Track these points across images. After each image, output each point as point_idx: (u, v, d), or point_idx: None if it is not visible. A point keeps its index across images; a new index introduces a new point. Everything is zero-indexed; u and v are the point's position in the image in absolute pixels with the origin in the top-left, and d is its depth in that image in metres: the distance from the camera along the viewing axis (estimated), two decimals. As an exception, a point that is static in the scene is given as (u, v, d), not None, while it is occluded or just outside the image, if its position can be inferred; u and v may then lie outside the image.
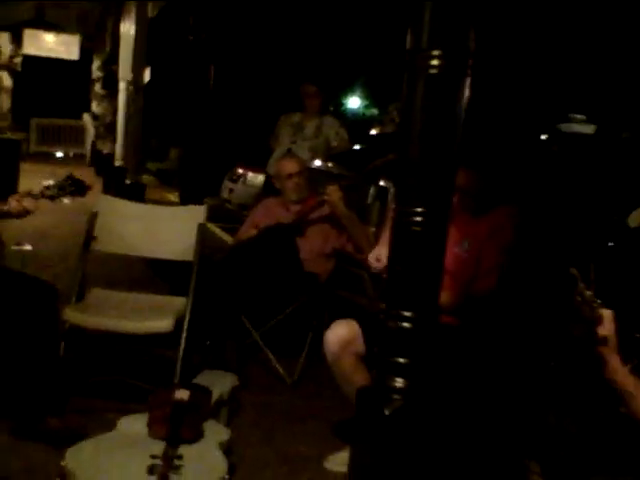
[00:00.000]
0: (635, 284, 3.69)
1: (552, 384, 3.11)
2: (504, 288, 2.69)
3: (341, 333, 2.71)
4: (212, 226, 5.16)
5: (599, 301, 1.74)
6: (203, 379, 3.10)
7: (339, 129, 5.19)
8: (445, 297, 2.64)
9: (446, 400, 2.28)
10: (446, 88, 1.52)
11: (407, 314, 1.63)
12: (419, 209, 1.57)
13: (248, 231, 3.87)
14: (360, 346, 2.67)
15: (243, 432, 3.11)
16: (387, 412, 1.62)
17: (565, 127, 10.92)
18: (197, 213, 3.35)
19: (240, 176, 6.95)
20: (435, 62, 1.51)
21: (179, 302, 3.11)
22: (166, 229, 3.40)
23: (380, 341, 1.69)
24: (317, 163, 4.86)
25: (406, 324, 1.63)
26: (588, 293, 1.71)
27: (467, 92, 1.55)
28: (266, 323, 3.67)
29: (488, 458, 2.81)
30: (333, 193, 3.39)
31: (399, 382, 1.65)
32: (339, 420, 3.04)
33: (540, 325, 2.66)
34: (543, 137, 11.41)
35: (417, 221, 1.58)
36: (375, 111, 12.37)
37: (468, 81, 1.55)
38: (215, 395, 2.94)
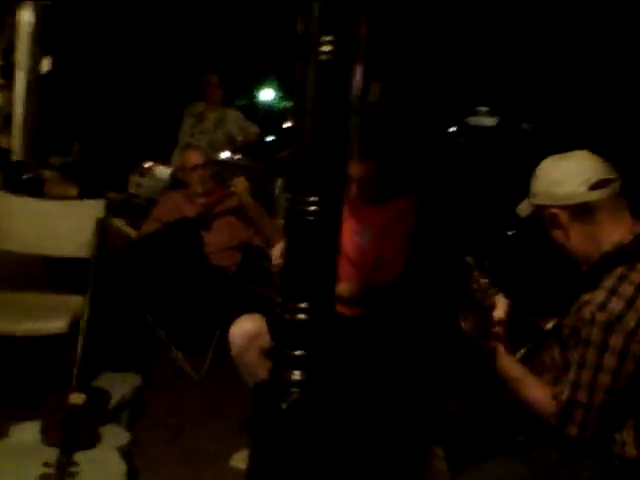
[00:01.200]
0: (529, 271, 3.81)
1: (456, 369, 3.18)
2: (406, 278, 2.70)
3: (246, 327, 2.67)
4: (117, 221, 4.98)
5: (494, 288, 1.76)
6: (104, 381, 3.00)
7: (244, 123, 5.11)
8: (347, 288, 2.65)
9: (343, 392, 2.28)
10: (337, 75, 1.49)
11: (303, 305, 1.60)
12: (312, 198, 1.54)
13: (152, 226, 3.76)
14: (266, 340, 2.62)
15: (147, 433, 3.03)
16: (284, 406, 1.59)
17: (472, 120, 11.19)
18: (95, 207, 3.21)
19: (147, 170, 6.76)
20: (326, 48, 1.47)
21: (76, 301, 2.98)
22: (62, 225, 3.25)
23: (277, 334, 1.66)
24: (224, 155, 4.78)
25: (302, 316, 1.60)
26: (483, 281, 1.73)
27: (359, 79, 1.53)
28: (172, 320, 3.58)
29: (389, 446, 2.85)
30: (239, 185, 3.33)
31: (296, 375, 1.62)
32: (247, 416, 3.01)
33: (439, 313, 2.70)
34: (451, 129, 11.65)
35: (311, 211, 1.55)
36: (289, 103, 12.31)
37: (360, 68, 1.53)
38: (116, 397, 2.85)
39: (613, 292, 1.67)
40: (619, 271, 1.72)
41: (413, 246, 2.71)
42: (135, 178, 6.54)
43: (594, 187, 1.78)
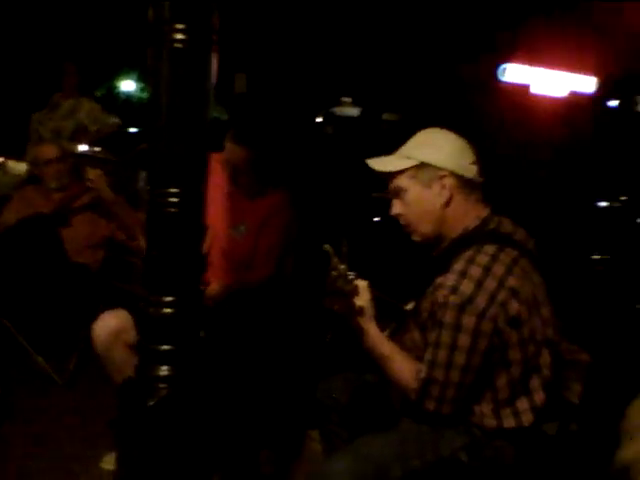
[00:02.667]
0: (391, 256, 3.96)
1: (329, 356, 3.24)
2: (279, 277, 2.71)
3: (110, 323, 2.59)
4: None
5: (354, 274, 1.81)
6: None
7: (99, 114, 4.93)
8: (217, 285, 2.62)
9: (215, 383, 2.28)
10: (192, 63, 1.47)
11: (168, 299, 1.57)
12: (173, 190, 1.51)
13: (4, 224, 3.55)
14: (132, 336, 2.55)
15: (13, 442, 2.89)
16: (152, 402, 1.56)
17: (337, 110, 11.40)
18: None
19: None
20: (179, 36, 1.45)
21: None
22: None
23: (142, 329, 1.62)
24: (82, 148, 4.58)
25: (168, 310, 1.57)
26: (342, 267, 1.77)
27: (215, 68, 1.51)
28: (32, 323, 3.41)
29: (266, 433, 2.88)
30: (98, 179, 3.19)
31: (164, 370, 1.59)
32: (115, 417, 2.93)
33: (304, 303, 2.73)
34: (318, 119, 11.81)
35: (172, 202, 1.52)
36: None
37: (215, 57, 1.51)
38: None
39: (463, 274, 1.76)
40: (468, 254, 1.81)
41: (288, 245, 2.72)
42: (-13, 174, 6.13)
43: (479, 171, 1.88)
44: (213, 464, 2.35)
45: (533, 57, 8.84)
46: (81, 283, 3.45)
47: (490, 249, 1.81)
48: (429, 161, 1.86)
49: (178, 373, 1.60)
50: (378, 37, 8.20)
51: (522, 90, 8.57)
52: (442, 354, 1.75)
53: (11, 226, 3.44)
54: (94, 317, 3.15)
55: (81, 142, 4.58)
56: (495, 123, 8.33)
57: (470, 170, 1.88)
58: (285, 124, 9.05)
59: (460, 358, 1.74)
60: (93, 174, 3.20)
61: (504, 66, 8.70)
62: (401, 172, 1.89)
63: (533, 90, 8.85)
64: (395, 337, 2.05)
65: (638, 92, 9.50)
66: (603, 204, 6.44)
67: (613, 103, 9.58)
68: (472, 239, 1.84)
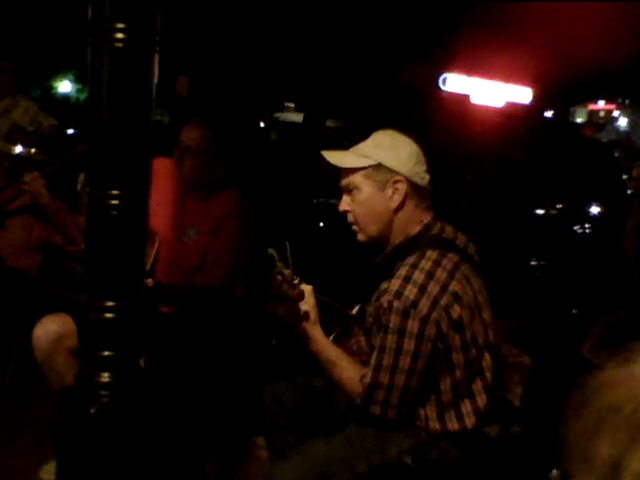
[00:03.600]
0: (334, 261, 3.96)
1: (275, 360, 3.22)
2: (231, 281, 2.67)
3: (50, 329, 2.50)
4: None
5: (298, 278, 1.80)
6: None
7: (36, 115, 4.78)
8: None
9: (161, 390, 2.23)
10: (133, 63, 1.43)
11: (110, 304, 1.53)
12: (114, 192, 1.47)
13: None
14: (74, 342, 2.48)
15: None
16: (93, 410, 1.51)
17: (281, 115, 11.38)
18: None
19: None
20: (119, 35, 1.41)
21: None
22: None
23: (83, 335, 1.57)
24: (18, 149, 4.44)
25: (109, 314, 1.53)
26: (287, 272, 1.76)
27: (156, 69, 1.48)
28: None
29: (210, 441, 2.84)
30: (34, 182, 3.09)
31: (105, 377, 1.54)
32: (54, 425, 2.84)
33: (251, 306, 2.70)
34: (262, 124, 11.75)
35: (112, 204, 1.48)
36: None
37: (156, 57, 1.48)
38: None
39: (407, 280, 1.77)
40: (411, 260, 1.83)
41: (239, 249, 2.68)
42: None
43: (430, 179, 1.89)
44: (156, 472, 2.31)
45: (472, 68, 9.03)
46: (17, 288, 3.33)
47: (433, 254, 1.83)
48: (386, 163, 1.86)
49: (119, 379, 1.55)
50: (323, 41, 8.24)
51: (462, 99, 8.73)
52: (387, 358, 1.76)
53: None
54: (30, 324, 3.06)
55: (17, 143, 4.44)
56: (436, 131, 8.46)
57: (423, 178, 1.89)
58: (228, 127, 8.99)
59: (405, 362, 1.75)
60: (29, 176, 3.10)
61: (445, 75, 8.86)
62: (357, 170, 1.89)
63: (473, 100, 9.04)
64: (340, 341, 2.05)
65: (572, 103, 9.81)
66: (540, 212, 6.60)
67: (548, 113, 9.86)
68: (415, 244, 1.86)
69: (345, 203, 1.93)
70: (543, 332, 4.11)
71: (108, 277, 1.53)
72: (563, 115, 9.78)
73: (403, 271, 1.79)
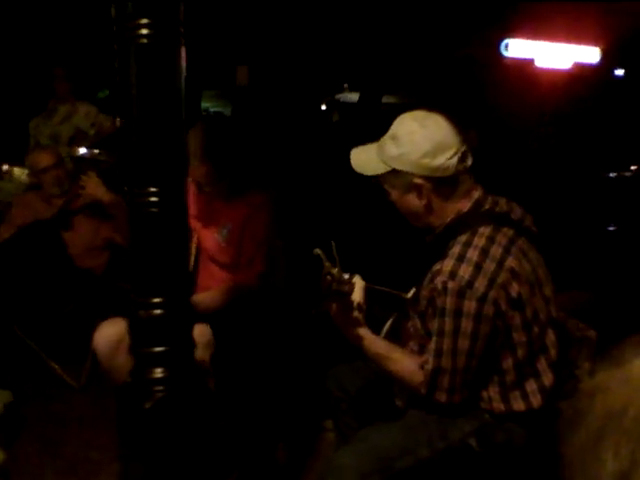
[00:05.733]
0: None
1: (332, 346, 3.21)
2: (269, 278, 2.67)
3: (108, 333, 2.56)
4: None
5: (348, 274, 1.76)
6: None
7: (97, 117, 4.89)
8: (212, 299, 2.59)
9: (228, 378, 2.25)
10: (160, 58, 1.42)
11: (157, 300, 1.54)
12: (152, 189, 1.48)
13: (7, 231, 3.54)
14: None
15: (27, 448, 2.90)
16: (147, 405, 1.53)
17: (342, 96, 11.30)
18: None
19: (5, 173, 6.41)
20: (144, 31, 1.40)
21: None
22: None
23: (134, 332, 1.59)
24: (82, 151, 4.57)
25: (157, 311, 1.54)
26: (335, 270, 1.72)
27: (184, 62, 1.47)
28: (43, 329, 3.41)
29: (280, 426, 2.86)
30: (90, 181, 3.15)
31: (159, 372, 1.56)
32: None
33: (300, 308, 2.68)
34: (323, 107, 11.71)
35: (151, 202, 1.48)
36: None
37: (183, 51, 1.47)
38: (-16, 418, 2.69)
39: (461, 259, 1.70)
40: (464, 238, 1.75)
41: (272, 244, 2.67)
42: (-7, 182, 6.14)
43: (462, 159, 1.79)
44: (227, 462, 2.34)
45: (536, 31, 8.70)
46: (87, 287, 3.43)
47: (486, 230, 1.75)
48: (400, 168, 1.80)
49: (173, 374, 1.57)
50: (378, 17, 8.10)
51: (526, 64, 8.44)
52: (447, 342, 1.70)
53: (13, 233, 3.43)
54: (102, 320, 3.15)
55: (80, 146, 4.56)
56: (501, 99, 8.23)
57: (447, 168, 1.77)
58: (289, 115, 8.98)
59: (464, 344, 1.69)
60: (84, 178, 3.17)
61: (507, 41, 8.58)
62: (380, 176, 1.85)
63: (537, 64, 8.73)
64: (399, 326, 2.01)
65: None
66: (613, 175, 6.33)
67: (619, 72, 9.42)
68: (466, 222, 1.79)
69: (403, 203, 1.88)
70: (616, 303, 3.94)
71: (153, 274, 1.54)
72: (634, 73, 9.29)
73: (456, 250, 1.73)
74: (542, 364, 1.79)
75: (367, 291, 1.84)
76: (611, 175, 6.35)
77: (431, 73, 8.47)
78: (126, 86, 1.43)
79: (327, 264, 1.70)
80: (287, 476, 2.77)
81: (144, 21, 1.39)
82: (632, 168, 6.15)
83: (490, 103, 7.64)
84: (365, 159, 1.87)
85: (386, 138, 1.85)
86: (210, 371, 2.22)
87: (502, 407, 1.79)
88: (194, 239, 2.66)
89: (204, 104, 12.50)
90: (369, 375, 2.17)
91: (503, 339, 1.73)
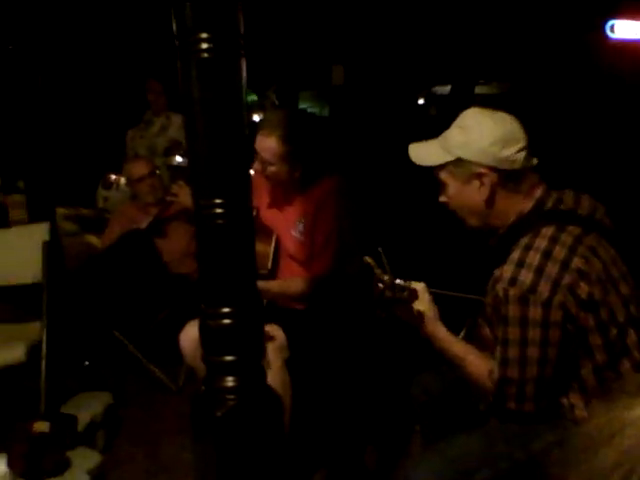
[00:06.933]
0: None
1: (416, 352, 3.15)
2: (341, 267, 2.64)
3: (192, 334, 2.61)
4: (90, 237, 4.95)
5: (401, 281, 1.73)
6: (74, 403, 2.97)
7: None
8: (295, 285, 2.61)
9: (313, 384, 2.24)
10: (221, 72, 1.44)
11: (226, 310, 1.56)
12: (218, 200, 1.49)
13: (109, 240, 3.71)
14: None
15: (126, 449, 3.01)
16: (219, 413, 1.55)
17: (439, 89, 11.11)
18: (41, 231, 3.14)
19: (113, 183, 6.72)
20: (205, 45, 1.42)
21: (32, 328, 2.93)
22: (8, 253, 3.18)
23: (204, 341, 1.61)
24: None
25: (227, 321, 1.56)
26: (386, 277, 1.69)
27: (244, 73, 1.48)
28: (141, 333, 3.54)
29: (368, 430, 2.84)
30: (179, 189, 3.25)
31: (230, 381, 1.58)
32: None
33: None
34: (421, 101, 11.56)
35: (218, 213, 1.50)
36: (254, 97, 12.24)
37: (244, 62, 1.47)
38: (85, 419, 2.82)
39: (521, 264, 1.63)
40: (525, 241, 1.68)
41: (341, 232, 2.63)
42: (102, 192, 6.50)
43: (528, 156, 1.73)
44: (310, 463, 2.33)
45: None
46: (182, 292, 3.54)
47: (548, 231, 1.67)
48: (466, 156, 1.73)
49: (244, 383, 1.58)
50: (466, 10, 7.92)
51: (633, 46, 7.99)
52: (512, 351, 1.63)
53: (114, 242, 3.58)
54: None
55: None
56: (606, 82, 7.83)
57: (515, 161, 1.71)
58: (387, 112, 8.92)
59: (534, 352, 1.61)
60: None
61: (612, 22, 8.15)
62: (440, 166, 1.79)
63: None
64: (474, 331, 1.95)
65: None
66: None
67: None
68: (529, 223, 1.71)
69: (442, 195, 1.82)
70: None
71: (221, 284, 1.56)
72: None
73: (516, 255, 1.65)
74: (625, 367, 1.68)
75: (437, 297, 1.79)
76: None
77: (531, 61, 8.16)
78: (189, 101, 1.45)
79: (378, 271, 1.68)
80: (376, 479, 2.75)
81: (204, 35, 1.40)
82: None
83: (594, 87, 7.27)
84: (426, 151, 1.82)
85: (452, 128, 1.80)
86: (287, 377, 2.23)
87: (585, 415, 1.70)
88: (273, 238, 2.67)
89: (302, 105, 12.63)
90: (454, 379, 2.13)
91: (578, 343, 1.63)
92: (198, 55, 1.42)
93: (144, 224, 3.61)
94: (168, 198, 3.39)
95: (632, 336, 1.68)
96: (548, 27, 8.36)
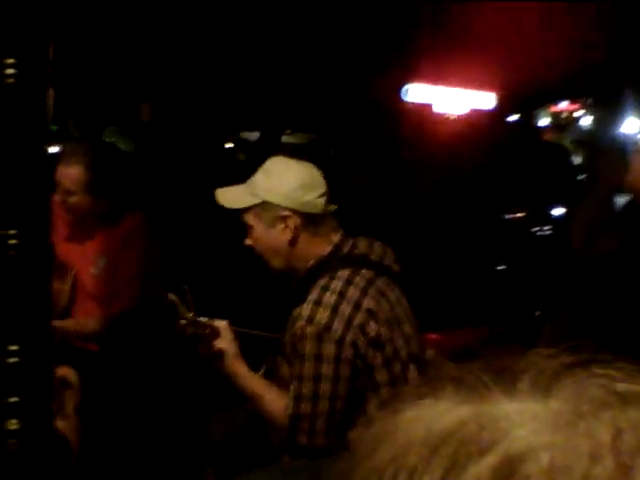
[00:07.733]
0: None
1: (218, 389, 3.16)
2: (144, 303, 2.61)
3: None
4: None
5: (204, 319, 1.77)
6: None
7: None
8: (92, 324, 2.52)
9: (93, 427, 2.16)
10: (25, 99, 1.39)
11: (13, 348, 1.47)
12: (11, 232, 1.43)
13: None
14: None
15: None
16: (1, 458, 1.45)
17: (247, 135, 11.33)
18: None
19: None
20: (10, 71, 1.37)
21: None
22: None
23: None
24: None
25: (13, 359, 1.47)
26: (189, 315, 1.73)
27: (51, 102, 1.44)
28: None
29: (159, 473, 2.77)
30: None
31: (13, 424, 1.48)
32: None
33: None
34: (228, 145, 11.69)
35: (10, 245, 1.43)
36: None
37: (51, 92, 1.44)
38: None
39: (318, 303, 1.74)
40: (322, 282, 1.80)
41: (147, 271, 2.62)
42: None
43: (329, 201, 1.86)
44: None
45: (435, 76, 9.07)
46: None
47: (344, 274, 1.80)
48: (271, 200, 1.84)
49: (28, 426, 1.49)
50: (283, 57, 8.24)
51: (425, 109, 8.77)
52: (306, 387, 1.72)
53: None
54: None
55: None
56: (401, 143, 8.49)
57: (316, 205, 1.85)
58: (191, 151, 8.95)
59: (325, 388, 1.71)
60: None
61: (407, 86, 8.90)
62: (246, 209, 1.88)
63: (435, 109, 9.08)
64: (273, 369, 2.01)
65: (535, 106, 9.86)
66: (506, 217, 6.61)
67: (513, 118, 9.92)
68: (326, 266, 1.83)
69: (248, 238, 1.92)
70: (508, 338, 4.08)
71: (10, 320, 1.47)
72: (527, 119, 9.82)
73: (314, 295, 1.76)
74: None
75: (239, 335, 1.84)
76: (506, 217, 6.63)
77: (332, 115, 8.65)
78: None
79: (182, 308, 1.71)
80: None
81: (10, 61, 1.35)
82: (520, 211, 6.45)
83: (389, 145, 7.87)
84: (233, 195, 1.90)
85: (258, 173, 1.91)
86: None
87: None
88: (71, 274, 2.57)
89: (107, 139, 12.25)
90: (251, 419, 2.16)
91: (365, 379, 1.76)
92: (3, 81, 1.37)
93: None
94: None
95: (412, 371, 1.84)
96: (351, 87, 8.93)
